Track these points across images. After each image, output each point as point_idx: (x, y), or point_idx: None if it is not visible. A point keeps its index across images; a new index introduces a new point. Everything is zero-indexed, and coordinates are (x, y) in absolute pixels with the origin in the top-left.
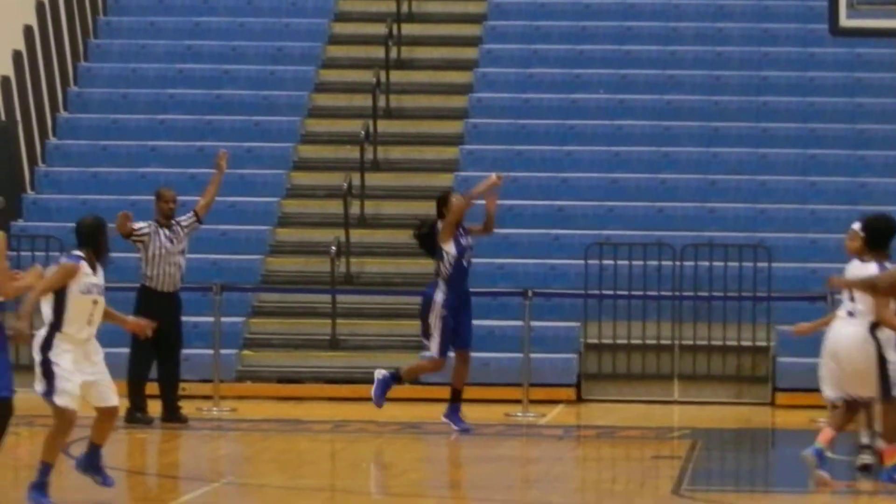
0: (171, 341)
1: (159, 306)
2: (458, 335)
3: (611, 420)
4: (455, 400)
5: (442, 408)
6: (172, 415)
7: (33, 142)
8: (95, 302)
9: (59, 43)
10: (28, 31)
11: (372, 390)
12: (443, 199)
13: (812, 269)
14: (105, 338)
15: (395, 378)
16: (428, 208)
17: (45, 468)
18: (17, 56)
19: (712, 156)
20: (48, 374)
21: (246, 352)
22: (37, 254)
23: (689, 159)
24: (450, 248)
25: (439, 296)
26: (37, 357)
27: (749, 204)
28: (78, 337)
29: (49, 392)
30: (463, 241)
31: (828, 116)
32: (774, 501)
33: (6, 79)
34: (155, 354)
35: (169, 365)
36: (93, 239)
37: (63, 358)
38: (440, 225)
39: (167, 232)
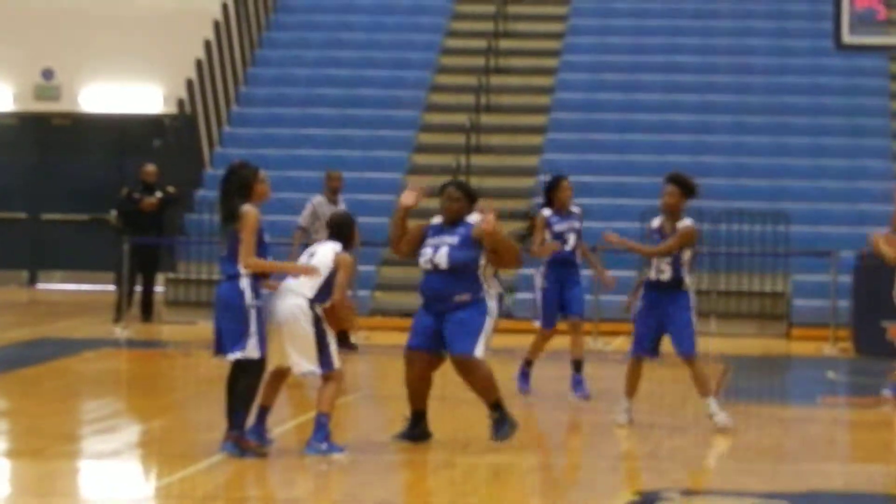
0: None
1: None
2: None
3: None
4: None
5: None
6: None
7: (211, 130)
8: None
9: (231, 52)
10: (207, 44)
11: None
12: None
13: (821, 232)
14: None
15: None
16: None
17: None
18: (199, 63)
19: (739, 143)
20: (325, 346)
21: (377, 293)
22: (215, 216)
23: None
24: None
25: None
26: (310, 329)
27: (770, 181)
28: None
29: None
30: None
31: (832, 112)
32: (789, 412)
33: (191, 81)
34: None
35: None
36: (344, 231)
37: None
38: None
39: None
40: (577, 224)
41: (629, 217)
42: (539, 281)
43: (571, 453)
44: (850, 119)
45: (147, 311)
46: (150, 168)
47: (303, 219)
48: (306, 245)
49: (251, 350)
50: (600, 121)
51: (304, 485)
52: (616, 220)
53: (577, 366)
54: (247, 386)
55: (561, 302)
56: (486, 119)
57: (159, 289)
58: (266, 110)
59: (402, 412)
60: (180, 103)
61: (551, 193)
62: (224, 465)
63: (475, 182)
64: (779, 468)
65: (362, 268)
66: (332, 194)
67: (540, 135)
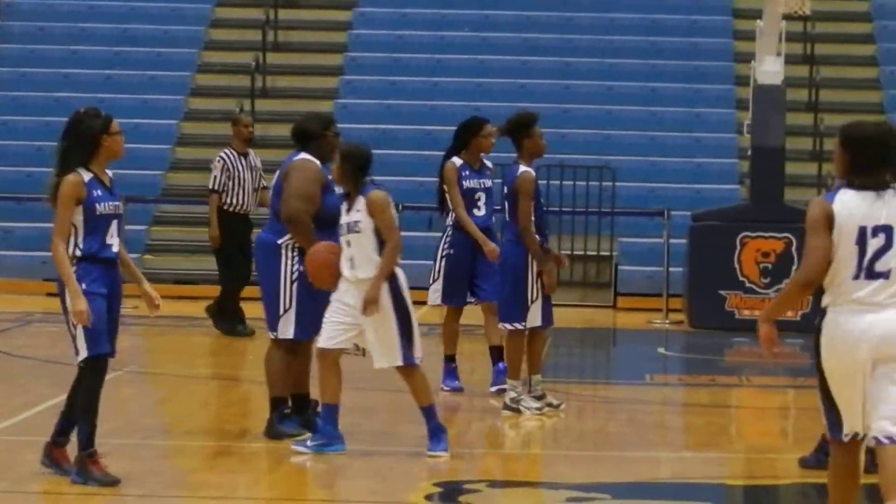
0: None
1: None
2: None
3: (470, 319)
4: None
5: None
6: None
7: None
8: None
9: None
10: None
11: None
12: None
13: (651, 189)
14: None
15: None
16: None
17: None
18: None
19: (564, 87)
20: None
21: (148, 256)
22: None
23: (543, 91)
24: None
25: None
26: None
27: (597, 130)
28: None
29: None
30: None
31: (667, 55)
32: (615, 391)
33: None
34: None
35: None
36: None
37: None
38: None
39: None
40: (489, 183)
41: (437, 171)
42: (441, 248)
43: (366, 439)
44: (687, 62)
45: None
46: None
47: (214, 181)
48: (228, 211)
49: (81, 351)
50: (405, 62)
51: (55, 475)
52: (422, 174)
53: (500, 354)
54: (83, 390)
55: (472, 280)
56: (273, 58)
57: None
58: (23, 47)
59: (183, 389)
60: None
61: (466, 138)
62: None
63: (260, 130)
64: (600, 455)
65: (130, 227)
66: (244, 145)
67: (335, 77)
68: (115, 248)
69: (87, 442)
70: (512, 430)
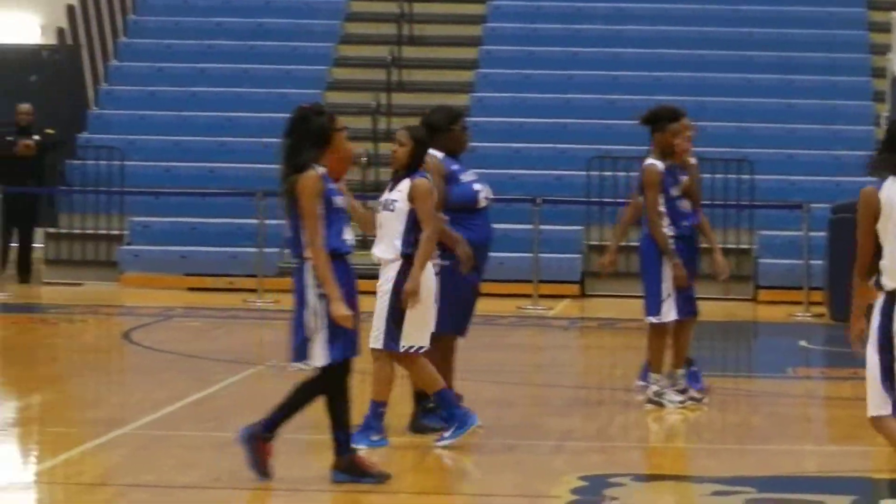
0: None
1: None
2: None
3: (611, 313)
4: None
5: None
6: None
7: (96, 64)
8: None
9: None
10: None
11: None
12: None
13: (790, 182)
14: None
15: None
16: None
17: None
18: None
19: (700, 80)
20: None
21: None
22: (100, 162)
23: (679, 83)
24: None
25: None
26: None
27: (734, 123)
28: None
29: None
30: None
31: (802, 47)
32: (757, 385)
33: (72, 7)
34: None
35: None
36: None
37: None
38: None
39: None
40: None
41: (574, 165)
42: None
43: (508, 432)
44: (824, 54)
45: (25, 271)
46: (25, 108)
47: None
48: None
49: (317, 357)
50: (539, 55)
51: (200, 469)
52: (559, 168)
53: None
54: (309, 388)
55: None
56: (409, 52)
57: (38, 245)
58: (159, 42)
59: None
60: (60, 33)
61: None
62: (114, 446)
63: (396, 124)
64: (744, 449)
65: (268, 222)
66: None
67: (470, 70)
68: (350, 243)
69: (272, 426)
70: (655, 424)
